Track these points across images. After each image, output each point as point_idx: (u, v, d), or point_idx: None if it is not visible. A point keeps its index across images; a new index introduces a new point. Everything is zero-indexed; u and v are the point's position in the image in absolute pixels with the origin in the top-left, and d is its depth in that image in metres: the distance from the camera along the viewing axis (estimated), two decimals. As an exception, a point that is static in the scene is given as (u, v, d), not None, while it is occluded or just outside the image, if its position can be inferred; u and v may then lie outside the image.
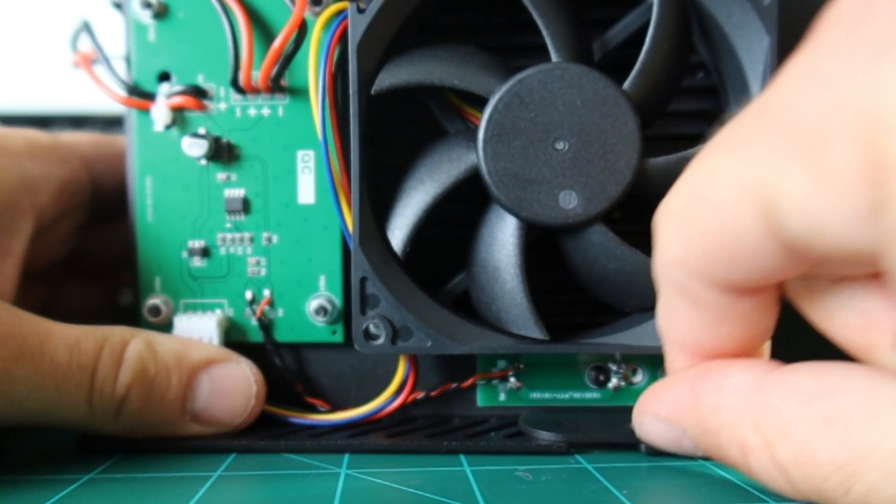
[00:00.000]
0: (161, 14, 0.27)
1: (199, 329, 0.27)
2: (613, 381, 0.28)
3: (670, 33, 0.24)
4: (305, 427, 0.27)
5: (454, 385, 0.27)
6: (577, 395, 0.28)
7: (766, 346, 0.22)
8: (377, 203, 0.26)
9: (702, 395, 0.18)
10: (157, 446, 0.25)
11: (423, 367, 0.28)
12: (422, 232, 0.25)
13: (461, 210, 0.26)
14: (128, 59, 0.28)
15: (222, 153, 0.27)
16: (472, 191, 0.25)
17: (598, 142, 0.23)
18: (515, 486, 0.22)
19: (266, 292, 0.28)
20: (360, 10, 0.24)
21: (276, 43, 0.26)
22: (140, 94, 0.27)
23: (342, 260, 0.27)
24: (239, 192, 0.27)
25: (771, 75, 0.23)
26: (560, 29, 0.24)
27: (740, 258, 0.16)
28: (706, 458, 0.23)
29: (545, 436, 0.25)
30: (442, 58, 0.25)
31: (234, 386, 0.26)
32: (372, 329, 0.25)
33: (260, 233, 0.28)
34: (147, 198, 0.28)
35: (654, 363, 0.28)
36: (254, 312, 0.28)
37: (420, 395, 0.27)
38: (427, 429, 0.26)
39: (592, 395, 0.28)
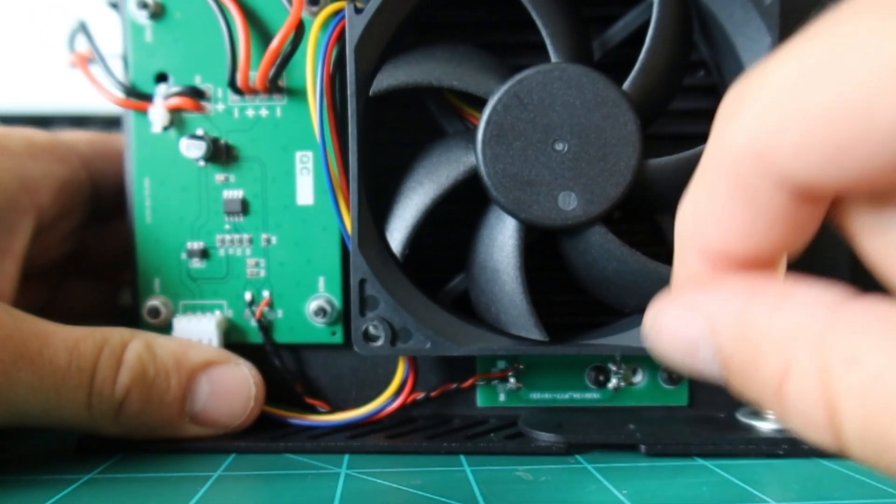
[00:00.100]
0: (157, 14, 0.27)
1: (198, 330, 0.27)
2: (613, 382, 0.27)
3: (671, 32, 0.24)
4: (305, 428, 0.27)
5: (454, 386, 0.27)
6: (576, 395, 0.28)
7: (782, 263, 0.19)
8: (376, 204, 0.26)
9: (754, 305, 0.15)
10: (156, 447, 0.25)
11: (423, 367, 0.28)
12: (421, 233, 0.25)
13: (460, 211, 0.26)
14: (125, 60, 0.27)
15: (220, 154, 0.27)
16: (472, 192, 0.25)
17: (597, 143, 0.23)
18: (515, 487, 0.22)
19: (265, 293, 0.28)
20: (358, 11, 0.24)
21: (274, 43, 0.25)
22: (137, 96, 0.27)
23: (341, 261, 0.27)
24: (237, 194, 0.27)
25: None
26: (559, 28, 0.24)
27: (863, 152, 0.13)
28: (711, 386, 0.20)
29: (545, 436, 0.25)
30: (440, 58, 0.25)
31: (234, 387, 0.26)
32: (371, 330, 0.25)
33: (259, 234, 0.28)
34: (146, 199, 0.28)
35: (654, 364, 0.28)
36: (253, 314, 0.28)
37: (420, 395, 0.27)
38: (427, 429, 0.26)
39: (592, 396, 0.28)
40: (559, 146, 0.23)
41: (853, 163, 0.13)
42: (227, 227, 0.28)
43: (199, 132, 0.27)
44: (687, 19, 0.25)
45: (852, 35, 0.13)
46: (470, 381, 0.27)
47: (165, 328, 0.27)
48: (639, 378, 0.28)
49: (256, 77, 0.26)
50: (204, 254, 0.28)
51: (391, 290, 0.24)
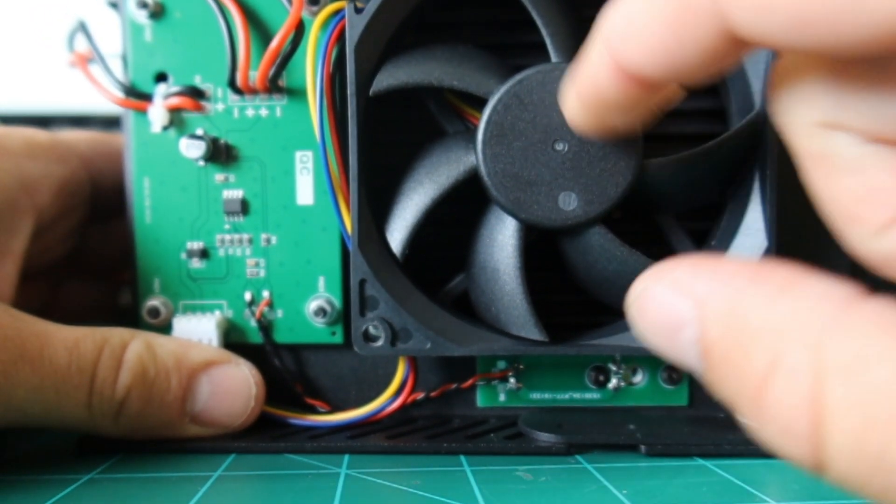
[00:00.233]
0: (157, 14, 0.27)
1: (198, 330, 0.27)
2: (613, 382, 0.27)
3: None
4: (305, 428, 0.27)
5: (454, 386, 0.27)
6: (576, 395, 0.28)
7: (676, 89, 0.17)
8: (376, 204, 0.26)
9: (753, 292, 0.13)
10: (156, 447, 0.25)
11: (423, 367, 0.28)
12: (421, 233, 0.25)
13: (460, 211, 0.26)
14: (124, 60, 0.27)
15: (220, 154, 0.27)
16: (472, 192, 0.25)
17: (597, 143, 0.23)
18: (515, 487, 0.22)
19: (265, 293, 0.28)
20: (358, 10, 0.24)
21: (274, 43, 0.25)
22: (137, 95, 0.27)
23: (341, 261, 0.27)
24: (237, 194, 0.27)
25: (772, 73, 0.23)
26: (559, 28, 0.24)
27: (827, 27, 0.13)
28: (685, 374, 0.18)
29: (545, 436, 0.25)
30: (440, 58, 0.24)
31: (234, 387, 0.26)
32: (371, 331, 0.25)
33: (259, 234, 0.28)
34: (145, 199, 0.28)
35: (654, 364, 0.28)
36: (253, 314, 0.28)
37: (420, 395, 0.27)
38: (427, 429, 0.26)
39: (592, 396, 0.28)
40: (559, 146, 0.23)
41: (815, 35, 0.13)
42: (226, 227, 0.28)
43: (199, 132, 0.27)
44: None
45: None
46: (470, 382, 0.27)
47: (165, 328, 0.27)
48: (639, 378, 0.28)
49: (256, 77, 0.26)
50: (204, 254, 0.28)
51: (391, 290, 0.24)
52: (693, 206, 0.26)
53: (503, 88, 0.23)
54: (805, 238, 0.25)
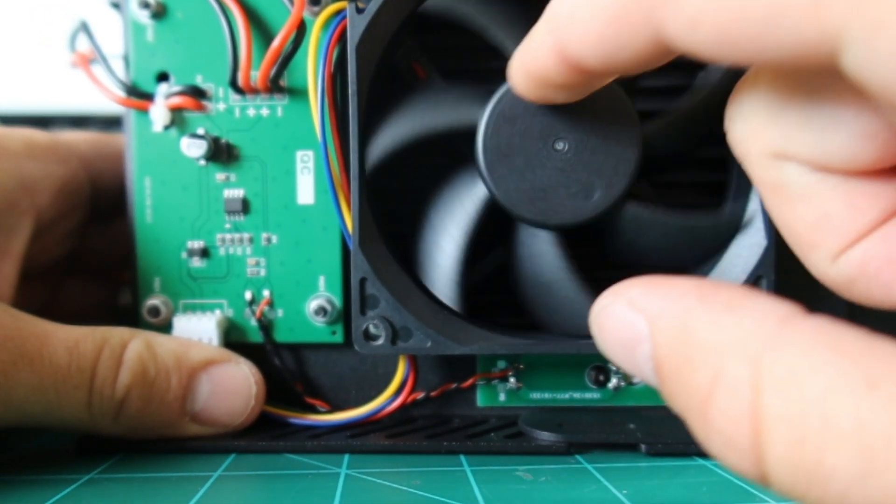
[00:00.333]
0: (159, 14, 0.27)
1: (198, 330, 0.27)
2: (613, 381, 0.27)
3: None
4: (305, 427, 0.27)
5: (454, 385, 0.27)
6: (577, 395, 0.28)
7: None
8: (376, 203, 0.26)
9: (699, 311, 0.14)
10: (156, 447, 0.25)
11: (423, 367, 0.28)
12: (468, 278, 0.26)
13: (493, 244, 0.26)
14: (126, 60, 0.28)
15: (221, 154, 0.27)
16: (497, 215, 0.25)
17: (594, 127, 0.23)
18: (515, 486, 0.22)
19: (266, 293, 0.28)
20: (359, 10, 0.24)
21: (275, 43, 0.25)
22: (138, 95, 0.27)
23: (342, 260, 0.27)
24: (238, 193, 0.27)
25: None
26: (515, 32, 0.24)
27: (753, 47, 0.13)
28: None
29: (545, 436, 0.25)
30: (419, 108, 0.25)
31: (234, 387, 0.26)
32: (372, 329, 0.25)
33: (259, 233, 0.28)
34: (146, 198, 0.28)
35: (654, 363, 0.28)
36: (253, 313, 0.28)
37: (420, 395, 0.27)
38: (427, 429, 0.26)
39: (592, 396, 0.28)
40: (559, 146, 0.23)
41: (740, 50, 0.13)
42: (227, 226, 0.28)
43: (200, 131, 0.27)
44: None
45: None
46: (470, 381, 0.27)
47: (165, 327, 0.27)
48: (639, 378, 0.28)
49: (257, 76, 0.26)
50: (204, 253, 0.28)
51: (392, 288, 0.24)
52: (697, 153, 0.27)
53: (486, 112, 0.23)
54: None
